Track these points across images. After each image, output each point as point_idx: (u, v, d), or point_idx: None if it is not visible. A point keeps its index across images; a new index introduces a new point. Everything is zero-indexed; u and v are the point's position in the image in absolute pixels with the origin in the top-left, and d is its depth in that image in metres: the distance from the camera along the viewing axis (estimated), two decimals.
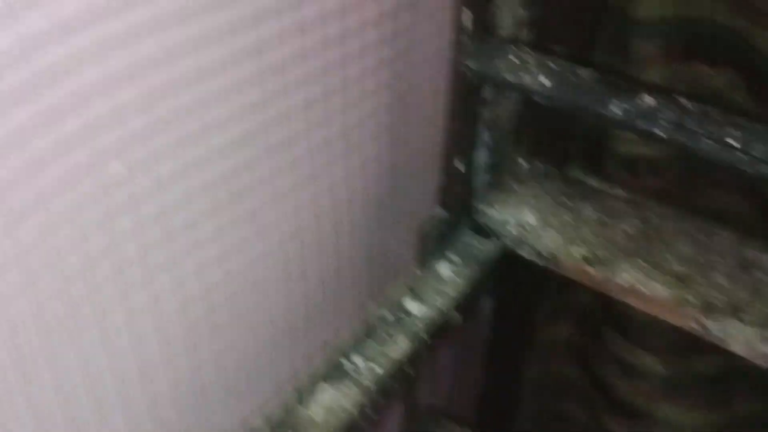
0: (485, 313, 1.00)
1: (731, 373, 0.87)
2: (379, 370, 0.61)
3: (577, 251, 0.71)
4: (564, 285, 0.72)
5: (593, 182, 0.82)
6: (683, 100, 0.55)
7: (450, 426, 0.87)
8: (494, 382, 1.07)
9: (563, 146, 0.85)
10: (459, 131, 0.69)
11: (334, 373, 0.60)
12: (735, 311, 0.65)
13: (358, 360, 0.62)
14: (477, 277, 0.73)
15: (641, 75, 0.77)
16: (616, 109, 0.57)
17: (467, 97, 0.68)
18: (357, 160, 0.70)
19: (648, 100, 0.56)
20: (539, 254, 0.73)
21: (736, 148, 0.53)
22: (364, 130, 0.70)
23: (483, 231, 0.76)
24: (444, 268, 0.73)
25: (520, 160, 0.84)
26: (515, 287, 0.97)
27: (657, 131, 0.55)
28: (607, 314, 0.92)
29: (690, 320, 0.65)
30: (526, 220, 0.76)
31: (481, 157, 0.78)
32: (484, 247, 0.76)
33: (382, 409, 0.62)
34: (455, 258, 0.74)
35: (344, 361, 0.61)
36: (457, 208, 0.75)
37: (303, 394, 0.58)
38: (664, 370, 0.90)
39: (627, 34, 0.77)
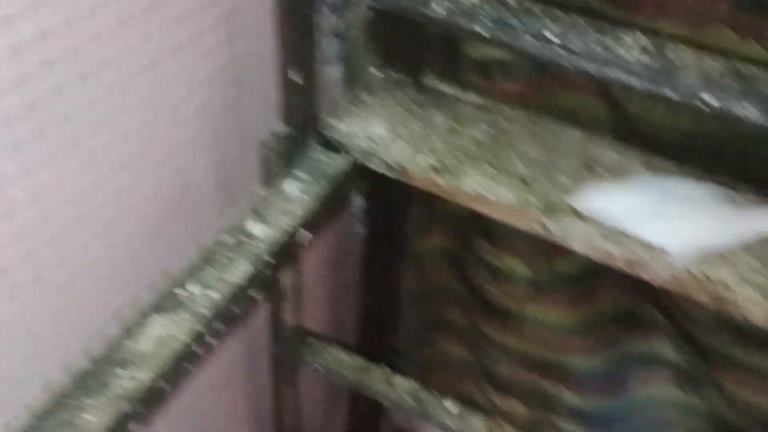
0: (357, 231, 0.99)
1: (593, 271, 0.89)
2: (217, 297, 0.59)
3: (425, 161, 0.70)
4: (432, 194, 0.71)
5: (447, 89, 0.80)
6: None
7: (318, 344, 0.86)
8: (373, 298, 1.07)
9: (418, 54, 0.83)
10: (291, 40, 0.65)
11: (167, 303, 0.58)
12: (575, 210, 0.65)
13: (193, 288, 0.59)
14: (327, 194, 0.71)
15: None
16: (438, 7, 0.54)
17: (296, 2, 0.64)
18: (199, 75, 0.67)
19: None
20: (388, 166, 0.71)
21: (555, 43, 0.52)
22: (200, 44, 0.66)
23: (332, 146, 0.73)
24: (290, 187, 0.70)
25: (373, 70, 0.81)
26: (385, 201, 0.96)
27: (479, 29, 0.53)
28: (474, 221, 0.92)
29: (532, 222, 0.65)
30: (375, 131, 0.74)
31: (327, 68, 0.74)
32: (334, 163, 0.73)
33: (225, 335, 0.60)
34: (303, 175, 0.71)
35: (178, 291, 0.59)
36: (302, 123, 0.72)
37: (132, 328, 0.55)
38: (529, 272, 0.91)
39: None
